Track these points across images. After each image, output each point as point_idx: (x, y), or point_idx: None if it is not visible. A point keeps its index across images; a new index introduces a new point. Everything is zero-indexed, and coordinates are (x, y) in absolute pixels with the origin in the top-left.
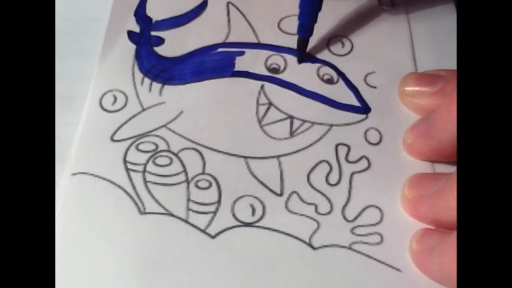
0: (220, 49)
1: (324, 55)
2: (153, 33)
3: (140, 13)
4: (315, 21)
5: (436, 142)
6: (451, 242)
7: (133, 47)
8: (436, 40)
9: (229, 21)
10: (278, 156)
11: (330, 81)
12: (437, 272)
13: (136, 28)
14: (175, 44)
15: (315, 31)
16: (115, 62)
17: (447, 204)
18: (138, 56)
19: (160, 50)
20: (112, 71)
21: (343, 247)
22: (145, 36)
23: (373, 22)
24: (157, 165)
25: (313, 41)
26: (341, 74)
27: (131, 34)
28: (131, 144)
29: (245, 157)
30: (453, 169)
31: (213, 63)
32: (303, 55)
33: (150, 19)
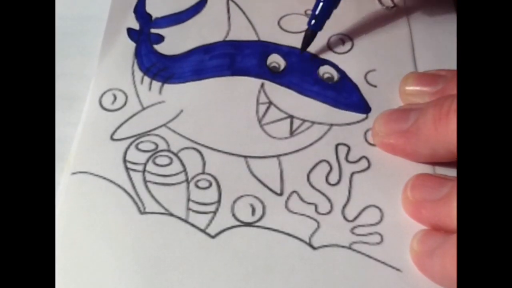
0: (219, 48)
1: (324, 52)
2: (152, 30)
3: (140, 10)
4: (328, 17)
5: (412, 150)
6: (452, 243)
7: (132, 44)
8: (436, 40)
9: (229, 18)
10: (278, 156)
11: (330, 80)
12: (438, 273)
13: (135, 25)
14: (174, 42)
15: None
16: (115, 60)
17: (452, 212)
18: (137, 54)
19: (160, 48)
20: (112, 69)
21: (343, 247)
22: (144, 34)
23: (373, 21)
24: (157, 164)
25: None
26: (341, 73)
27: (130, 32)
28: (131, 144)
29: (245, 157)
30: (454, 170)
31: (213, 62)
32: (306, 47)
33: (149, 16)
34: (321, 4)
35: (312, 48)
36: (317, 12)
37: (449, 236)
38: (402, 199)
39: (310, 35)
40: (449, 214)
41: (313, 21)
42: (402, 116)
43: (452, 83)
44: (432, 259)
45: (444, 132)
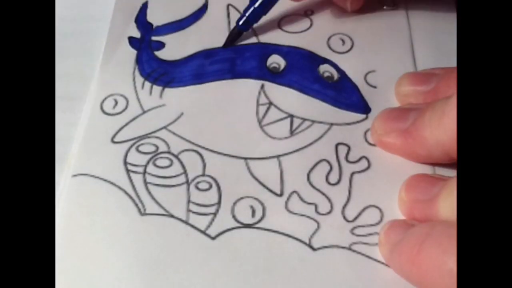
0: (220, 53)
1: (324, 52)
2: (153, 38)
3: (141, 19)
4: (257, 21)
5: (410, 150)
6: (407, 241)
7: (134, 52)
8: (436, 40)
9: (229, 23)
10: (278, 156)
11: (330, 79)
12: (397, 270)
13: (137, 34)
14: (175, 47)
15: (316, 26)
16: (116, 68)
17: (438, 213)
18: (138, 61)
19: (161, 54)
20: (113, 76)
21: (343, 247)
22: (145, 42)
23: (373, 21)
24: (158, 166)
25: (313, 38)
26: (341, 72)
27: (132, 40)
28: (131, 146)
29: (245, 158)
30: (454, 170)
31: (213, 66)
32: (230, 44)
33: (150, 24)
34: (252, 8)
35: (312, 47)
36: (247, 14)
37: (408, 231)
38: (398, 199)
39: (236, 34)
40: (436, 215)
41: (241, 21)
42: (401, 115)
43: (444, 81)
44: (391, 255)
45: (438, 135)
